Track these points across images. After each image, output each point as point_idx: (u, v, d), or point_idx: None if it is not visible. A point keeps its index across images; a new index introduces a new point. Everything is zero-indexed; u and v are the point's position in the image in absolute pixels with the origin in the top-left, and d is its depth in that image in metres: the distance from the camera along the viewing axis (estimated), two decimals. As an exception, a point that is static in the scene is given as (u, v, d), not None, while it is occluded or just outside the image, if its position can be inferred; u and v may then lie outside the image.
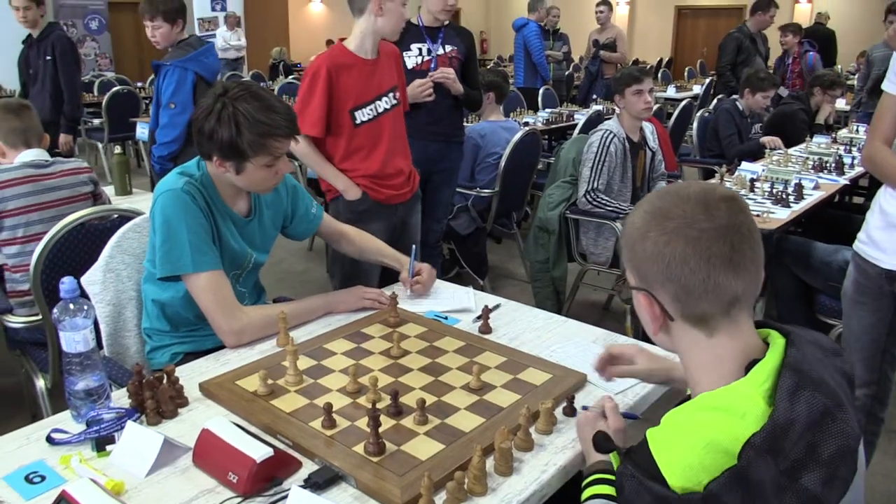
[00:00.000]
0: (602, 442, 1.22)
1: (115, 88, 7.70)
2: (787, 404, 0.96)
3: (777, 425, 0.95)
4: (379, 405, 1.46)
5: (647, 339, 1.81)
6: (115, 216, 2.44)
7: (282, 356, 1.75)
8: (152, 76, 3.91)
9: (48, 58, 4.93)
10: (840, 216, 4.09)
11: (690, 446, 0.99)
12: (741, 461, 0.95)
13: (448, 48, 3.60)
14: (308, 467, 1.35)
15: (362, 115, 2.83)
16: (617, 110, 3.79)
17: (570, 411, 1.53)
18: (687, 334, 1.10)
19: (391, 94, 2.92)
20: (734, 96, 5.45)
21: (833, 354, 1.10)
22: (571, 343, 1.88)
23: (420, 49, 3.52)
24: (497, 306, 2.12)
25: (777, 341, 1.07)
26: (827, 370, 1.04)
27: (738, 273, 1.04)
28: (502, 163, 4.29)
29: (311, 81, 2.77)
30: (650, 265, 1.07)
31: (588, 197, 3.62)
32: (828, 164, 4.35)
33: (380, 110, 2.87)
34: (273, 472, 1.30)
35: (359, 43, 2.83)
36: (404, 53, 3.39)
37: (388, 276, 2.40)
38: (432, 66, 3.53)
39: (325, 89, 2.74)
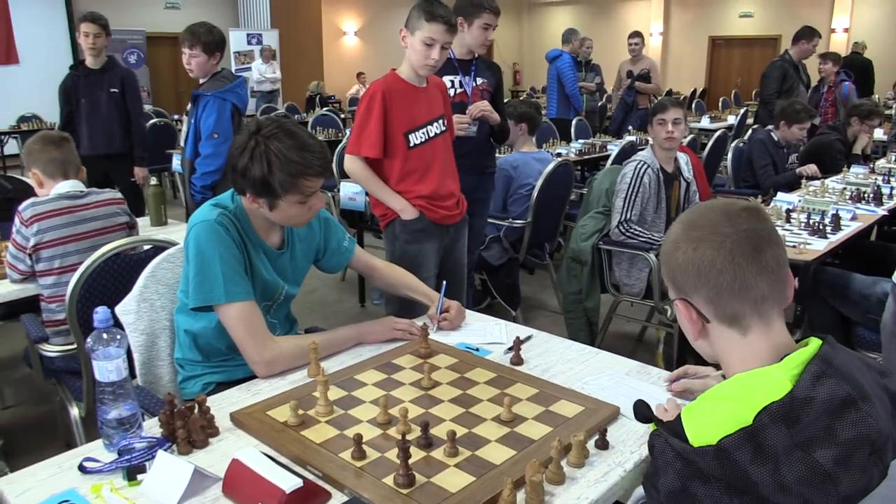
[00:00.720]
0: (640, 409, 1.28)
1: (152, 121, 7.84)
2: (808, 384, 1.04)
3: (795, 398, 1.02)
4: (409, 437, 1.45)
5: (680, 365, 1.79)
6: (150, 247, 2.48)
7: (312, 387, 1.75)
8: (189, 105, 3.98)
9: (113, 90, 4.96)
10: (878, 247, 4.02)
11: (712, 412, 1.09)
12: (755, 423, 1.02)
13: (480, 80, 3.65)
14: (337, 498, 1.35)
15: (415, 138, 2.93)
16: (651, 141, 3.78)
17: (603, 444, 1.51)
18: (723, 335, 1.19)
19: (440, 121, 3.03)
20: (769, 126, 5.42)
21: (880, 374, 1.13)
22: (605, 375, 1.86)
23: (452, 81, 3.56)
24: (529, 338, 2.11)
25: (814, 341, 1.13)
26: (864, 377, 1.08)
27: (761, 271, 1.13)
28: (535, 194, 4.29)
29: (367, 105, 2.88)
30: (683, 273, 1.19)
31: (621, 228, 3.60)
32: (866, 195, 4.30)
33: (431, 134, 2.98)
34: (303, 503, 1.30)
35: (407, 72, 2.94)
36: None
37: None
38: (469, 99, 3.59)
39: (381, 112, 2.85)
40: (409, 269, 2.42)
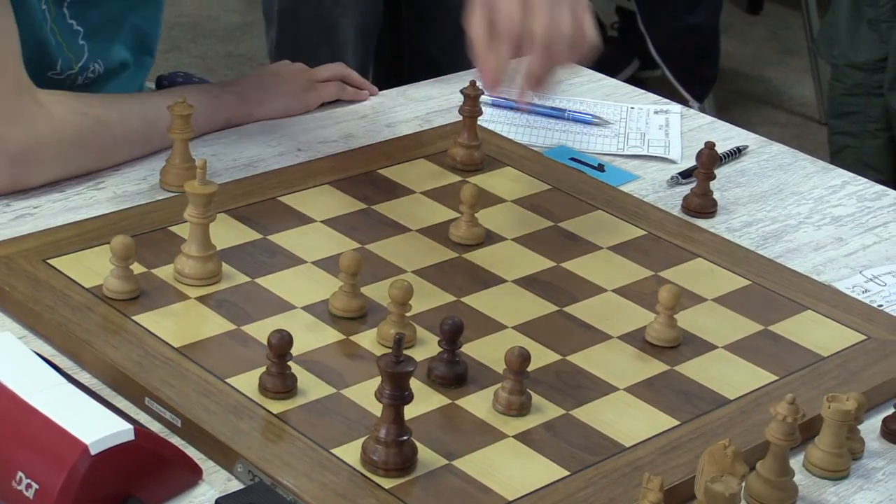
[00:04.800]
0: None
1: None
2: None
3: None
4: (411, 352, 1.48)
5: None
6: None
7: (173, 211, 1.78)
8: None
9: None
10: None
11: None
12: None
13: None
14: (215, 481, 1.38)
15: None
16: None
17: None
18: None
19: None
20: None
21: None
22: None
23: None
24: (739, 151, 2.15)
25: None
26: None
27: None
28: None
29: None
30: None
31: None
32: None
33: None
34: (128, 482, 1.32)
35: None
36: None
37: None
38: None
39: None
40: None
